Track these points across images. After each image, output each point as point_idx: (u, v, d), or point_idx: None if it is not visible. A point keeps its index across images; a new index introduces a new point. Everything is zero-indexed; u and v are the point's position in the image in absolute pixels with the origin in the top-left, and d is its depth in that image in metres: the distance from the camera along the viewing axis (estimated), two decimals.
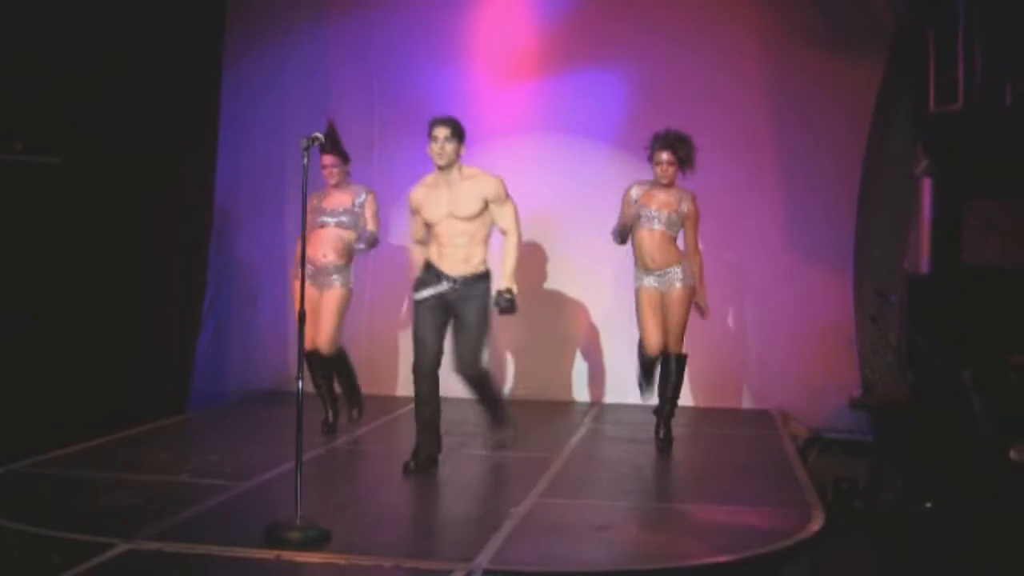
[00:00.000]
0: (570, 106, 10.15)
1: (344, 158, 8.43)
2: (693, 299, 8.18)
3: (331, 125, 8.26)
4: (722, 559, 5.38)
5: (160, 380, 9.29)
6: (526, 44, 10.47)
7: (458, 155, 7.12)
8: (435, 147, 7.04)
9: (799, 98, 9.89)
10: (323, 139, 7.53)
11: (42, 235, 8.75)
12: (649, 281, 8.11)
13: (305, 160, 5.80)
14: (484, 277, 7.20)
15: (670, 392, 8.25)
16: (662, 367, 8.25)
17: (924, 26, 8.35)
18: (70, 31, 8.82)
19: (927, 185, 8.63)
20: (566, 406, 9.95)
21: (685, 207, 8.08)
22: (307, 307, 7.68)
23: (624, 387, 10.24)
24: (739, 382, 10.01)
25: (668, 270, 8.08)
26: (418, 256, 7.41)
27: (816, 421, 9.54)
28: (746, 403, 9.92)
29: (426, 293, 7.15)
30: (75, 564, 5.12)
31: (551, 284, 10.28)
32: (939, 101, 7.95)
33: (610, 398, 10.18)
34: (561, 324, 10.32)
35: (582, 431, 8.86)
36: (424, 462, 7.15)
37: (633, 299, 8.23)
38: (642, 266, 8.14)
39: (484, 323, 7.22)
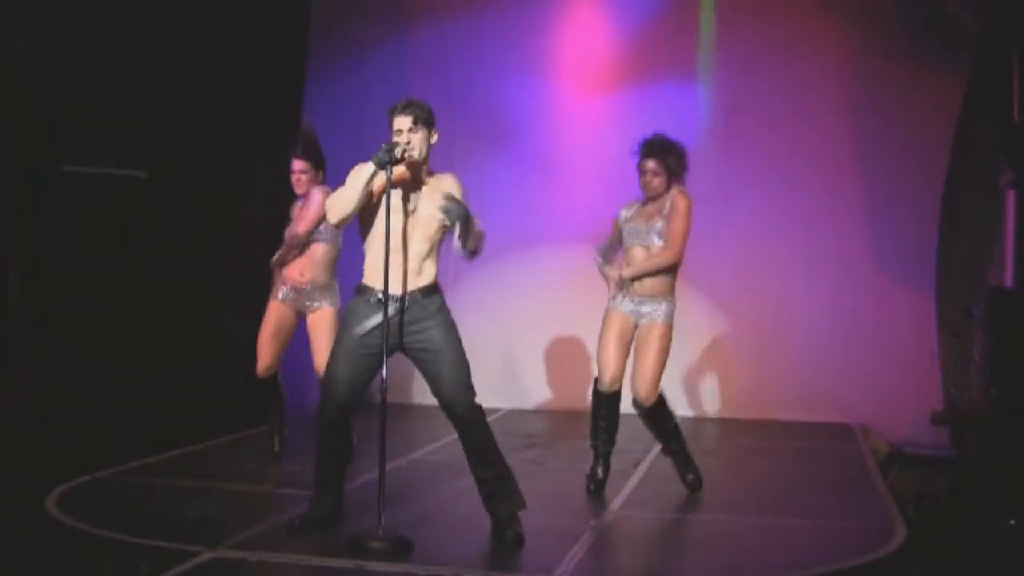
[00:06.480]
0: (649, 119, 10.08)
1: (317, 164, 7.53)
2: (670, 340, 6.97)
3: (307, 126, 7.66)
4: (801, 575, 5.37)
5: (244, 390, 9.37)
6: (606, 56, 10.54)
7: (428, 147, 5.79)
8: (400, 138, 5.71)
9: (882, 111, 9.86)
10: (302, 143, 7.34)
11: (125, 247, 8.86)
12: (624, 305, 6.98)
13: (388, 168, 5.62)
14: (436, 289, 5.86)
15: (668, 437, 7.16)
16: (645, 422, 7.15)
17: (1008, 36, 8.28)
18: (149, 40, 8.95)
19: (1011, 197, 8.55)
20: None
21: (668, 203, 6.91)
22: (273, 327, 7.71)
23: (703, 400, 10.24)
24: (820, 396, 9.92)
25: (652, 302, 6.94)
26: None
27: (897, 436, 9.46)
28: (827, 417, 9.82)
29: (369, 325, 5.76)
30: (160, 571, 5.19)
31: None
32: None
33: (690, 412, 10.13)
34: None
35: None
36: (315, 520, 5.94)
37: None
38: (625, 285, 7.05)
39: (457, 339, 5.81)
